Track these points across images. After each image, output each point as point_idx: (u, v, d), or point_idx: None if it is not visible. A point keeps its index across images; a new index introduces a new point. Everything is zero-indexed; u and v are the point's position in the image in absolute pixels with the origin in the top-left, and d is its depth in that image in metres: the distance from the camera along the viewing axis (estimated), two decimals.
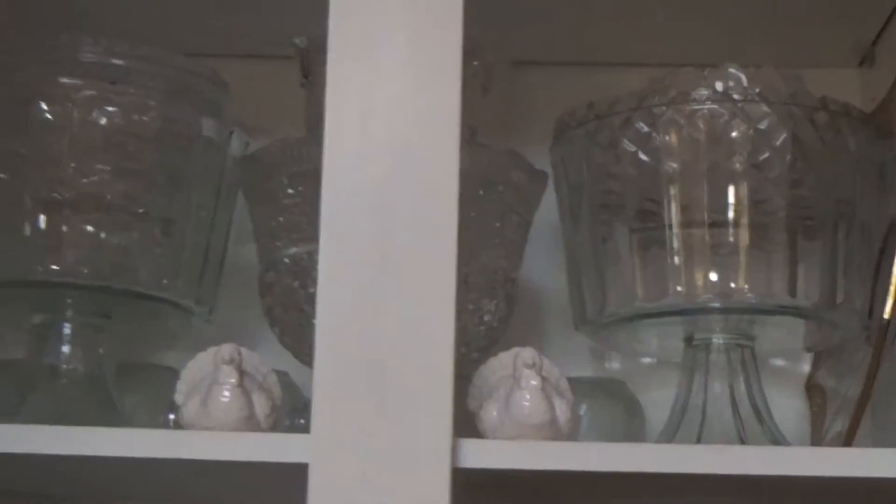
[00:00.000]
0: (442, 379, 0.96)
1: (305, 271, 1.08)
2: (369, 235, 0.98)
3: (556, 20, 1.27)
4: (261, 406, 1.00)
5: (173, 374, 1.05)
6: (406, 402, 0.96)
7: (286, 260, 1.10)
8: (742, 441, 1.10)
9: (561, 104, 1.19)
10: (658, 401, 1.22)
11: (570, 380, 1.15)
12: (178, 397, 1.02)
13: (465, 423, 1.01)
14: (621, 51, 1.31)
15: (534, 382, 0.99)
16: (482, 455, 0.96)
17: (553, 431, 0.99)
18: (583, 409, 1.19)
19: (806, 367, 1.27)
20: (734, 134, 1.10)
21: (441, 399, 0.96)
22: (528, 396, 0.98)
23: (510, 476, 1.00)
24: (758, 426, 1.12)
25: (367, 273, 0.97)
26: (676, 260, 1.11)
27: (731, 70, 1.13)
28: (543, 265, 1.27)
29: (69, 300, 1.11)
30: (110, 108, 1.09)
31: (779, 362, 1.28)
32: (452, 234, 0.98)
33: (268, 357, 1.10)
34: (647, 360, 1.28)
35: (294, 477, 0.95)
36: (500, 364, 1.03)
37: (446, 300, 0.97)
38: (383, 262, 0.98)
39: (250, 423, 0.99)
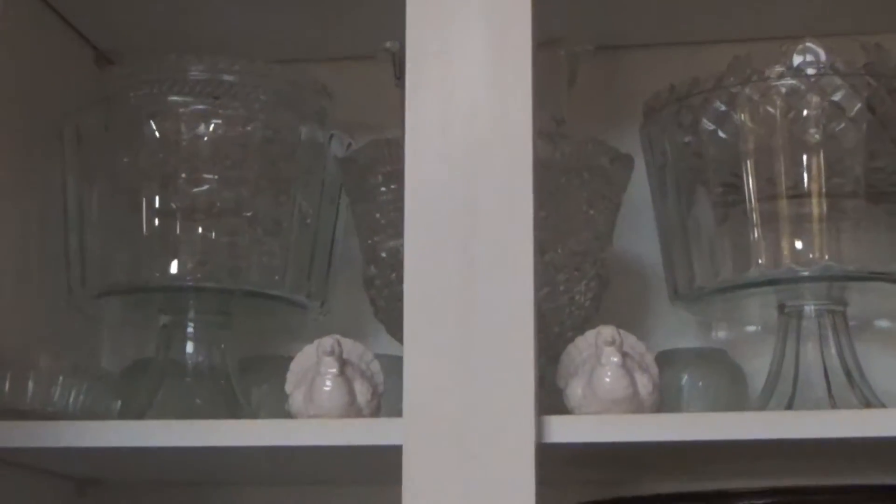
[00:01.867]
0: (525, 358, 1.02)
1: (402, 264, 1.13)
2: (451, 226, 1.04)
3: (642, 3, 1.30)
4: (362, 393, 1.07)
5: None
6: (491, 382, 1.01)
7: (384, 254, 1.17)
8: (833, 405, 1.13)
9: (654, 85, 1.22)
10: (764, 368, 1.25)
11: (670, 351, 1.21)
12: (288, 387, 1.10)
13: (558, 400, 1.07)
14: (710, 29, 1.34)
15: (614, 359, 1.04)
16: (565, 430, 1.02)
17: (635, 405, 1.04)
18: (684, 380, 1.23)
19: None
20: (808, 107, 1.12)
21: (524, 377, 1.01)
22: (608, 373, 1.03)
23: (601, 451, 1.05)
24: (849, 390, 1.14)
25: (450, 260, 1.03)
26: (758, 232, 1.14)
27: (809, 44, 1.15)
28: (649, 241, 1.31)
29: (190, 301, 1.20)
30: (216, 122, 1.17)
31: (883, 324, 1.31)
32: (528, 220, 1.03)
33: (386, 344, 1.18)
34: (751, 328, 1.31)
35: (392, 457, 1.02)
36: (585, 343, 1.08)
37: (526, 282, 1.03)
38: (465, 250, 1.03)
39: (352, 409, 1.06)
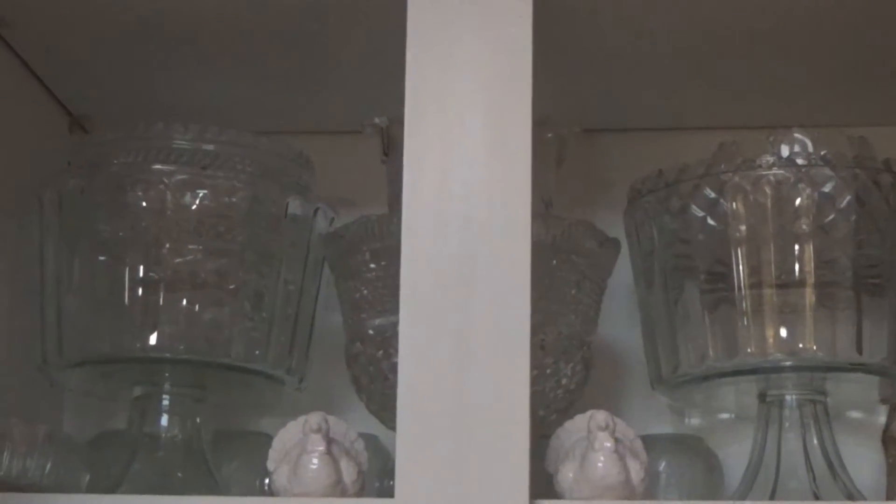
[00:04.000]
0: (519, 442, 1.00)
1: (389, 342, 1.13)
2: (447, 306, 1.03)
3: (628, 88, 1.31)
4: (348, 472, 1.05)
5: (269, 441, 1.10)
6: (485, 465, 1.00)
7: (370, 331, 1.15)
8: (816, 496, 1.13)
9: (636, 170, 1.23)
10: (737, 455, 1.25)
11: (648, 437, 1.19)
12: (270, 464, 1.08)
13: (546, 484, 1.06)
14: (694, 116, 1.34)
15: (607, 444, 1.03)
16: None
17: (627, 491, 1.03)
18: (662, 466, 1.23)
19: (883, 419, 1.29)
20: (799, 198, 1.13)
21: (518, 461, 1.00)
22: (601, 458, 1.02)
23: None
24: (832, 481, 1.14)
25: (445, 342, 1.02)
26: (746, 320, 1.14)
27: (797, 134, 1.16)
28: (624, 326, 1.31)
29: (167, 374, 1.18)
30: (201, 192, 1.16)
31: (855, 415, 1.31)
32: (526, 303, 1.02)
33: (358, 422, 1.16)
34: (725, 416, 1.31)
35: None
36: (575, 427, 1.07)
37: (521, 366, 1.02)
38: (461, 331, 1.02)
39: (338, 488, 1.04)
